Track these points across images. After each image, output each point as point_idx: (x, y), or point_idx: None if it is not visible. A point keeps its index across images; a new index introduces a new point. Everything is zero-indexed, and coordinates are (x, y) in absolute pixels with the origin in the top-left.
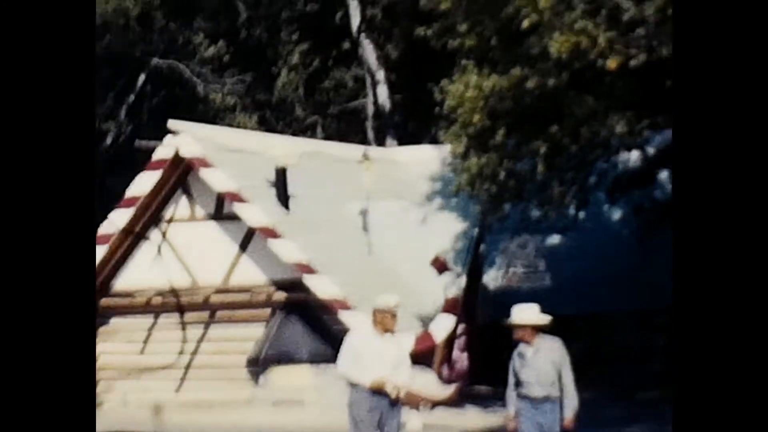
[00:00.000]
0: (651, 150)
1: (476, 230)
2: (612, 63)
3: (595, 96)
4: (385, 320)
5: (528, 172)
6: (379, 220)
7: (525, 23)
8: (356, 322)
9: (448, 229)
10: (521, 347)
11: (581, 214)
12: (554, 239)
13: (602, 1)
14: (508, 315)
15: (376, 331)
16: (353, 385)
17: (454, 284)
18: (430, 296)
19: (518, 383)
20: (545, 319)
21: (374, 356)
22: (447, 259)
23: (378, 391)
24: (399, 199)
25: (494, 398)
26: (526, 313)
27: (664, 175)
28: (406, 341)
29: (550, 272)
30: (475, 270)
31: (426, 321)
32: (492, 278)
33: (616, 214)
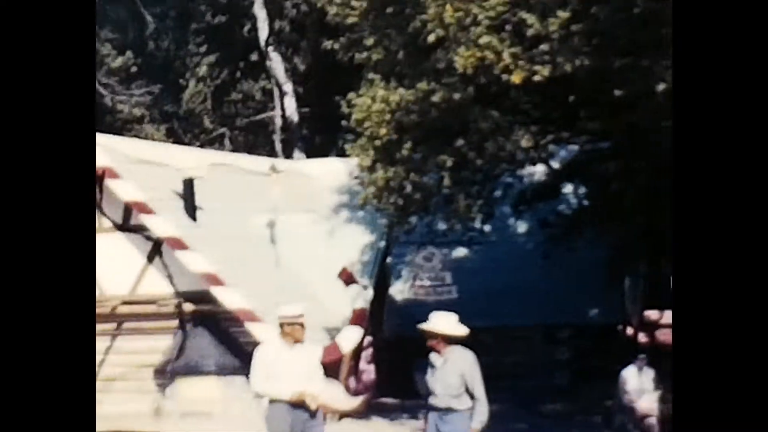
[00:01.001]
0: (555, 164)
1: (383, 243)
2: (516, 78)
3: (500, 110)
4: (294, 331)
5: (434, 185)
6: (287, 232)
7: (431, 38)
8: (264, 335)
9: (354, 242)
10: (432, 357)
11: (487, 228)
12: (460, 252)
13: (507, 17)
14: (414, 328)
15: (285, 343)
16: (270, 400)
17: (360, 296)
18: (337, 308)
19: (429, 393)
20: (458, 329)
21: (287, 368)
22: (354, 272)
23: (297, 404)
24: (306, 212)
25: (401, 410)
26: (438, 322)
27: (568, 188)
28: (315, 351)
29: (456, 285)
30: (381, 282)
31: (333, 333)
32: (398, 290)
33: (522, 228)
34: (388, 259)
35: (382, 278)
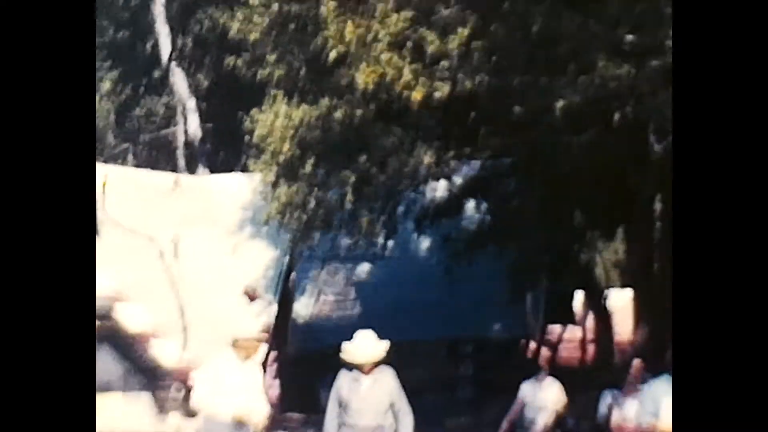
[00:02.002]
0: (458, 180)
1: (287, 258)
2: (417, 95)
3: (402, 127)
4: (250, 347)
5: (337, 202)
6: (191, 247)
7: (332, 55)
8: (168, 351)
9: (258, 258)
10: (355, 375)
11: (390, 244)
12: (364, 268)
13: (407, 34)
14: (318, 343)
15: (237, 359)
16: (210, 418)
17: (265, 312)
18: (240, 324)
19: (345, 411)
20: (383, 348)
21: (236, 385)
22: (258, 287)
23: (240, 423)
24: (210, 227)
25: (306, 425)
26: (367, 345)
27: (470, 205)
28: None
29: (359, 300)
30: (285, 298)
31: None
32: (303, 306)
33: (424, 244)
34: (292, 275)
35: (286, 294)
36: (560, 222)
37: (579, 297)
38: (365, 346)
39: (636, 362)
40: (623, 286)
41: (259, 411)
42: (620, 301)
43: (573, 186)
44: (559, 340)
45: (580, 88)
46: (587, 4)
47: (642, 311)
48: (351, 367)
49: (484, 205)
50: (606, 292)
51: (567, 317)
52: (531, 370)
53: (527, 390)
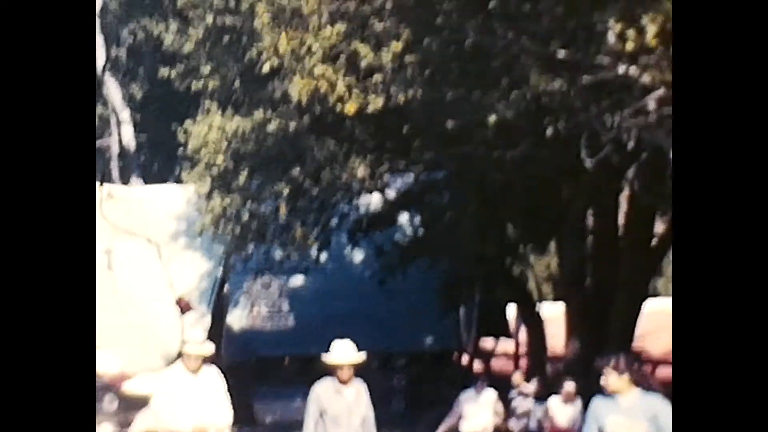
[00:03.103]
0: (391, 193)
1: (220, 270)
2: (350, 107)
3: (336, 139)
4: (197, 359)
5: (270, 214)
6: (124, 258)
7: (266, 67)
8: (103, 362)
9: (192, 269)
10: (336, 385)
11: (323, 256)
12: (297, 280)
13: (341, 48)
14: (252, 355)
15: (188, 372)
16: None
17: (198, 324)
18: (174, 335)
19: (326, 421)
20: (362, 355)
21: (190, 399)
22: (191, 299)
23: None
24: (144, 238)
25: None
26: (348, 351)
27: (404, 217)
28: (219, 379)
29: (293, 312)
30: (219, 310)
31: (170, 360)
32: (236, 318)
33: (358, 256)
34: (226, 287)
35: (219, 306)
36: (493, 235)
37: (512, 310)
38: (345, 349)
39: (567, 385)
40: (556, 299)
41: (221, 420)
42: (552, 314)
43: (506, 199)
44: (492, 352)
45: (513, 102)
46: (520, 19)
47: (574, 324)
48: (329, 374)
49: (417, 218)
50: (538, 305)
51: (500, 330)
52: (464, 382)
53: (466, 400)
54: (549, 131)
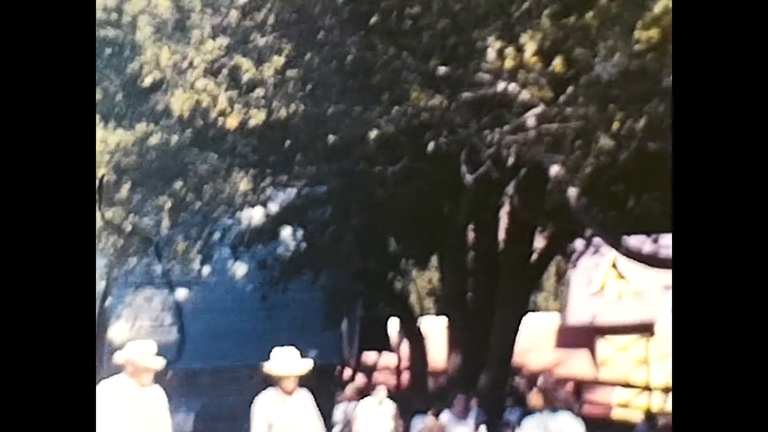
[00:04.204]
0: (274, 207)
1: (102, 283)
2: (232, 122)
3: (218, 153)
4: (147, 371)
5: (153, 227)
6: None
7: (148, 80)
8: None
9: None
10: (281, 396)
11: (206, 269)
12: (180, 293)
13: (223, 62)
14: None
15: (133, 384)
16: None
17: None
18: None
19: None
20: (308, 364)
21: (136, 412)
22: None
23: None
24: None
25: None
26: (292, 360)
27: (286, 231)
28: (160, 393)
29: (175, 326)
30: (101, 323)
31: None
32: (118, 331)
33: (240, 270)
34: (108, 300)
35: (102, 319)
36: (375, 250)
37: (394, 324)
38: (289, 359)
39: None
40: (437, 313)
41: None
42: (434, 328)
43: (387, 214)
44: (374, 366)
45: (394, 117)
46: (401, 35)
47: (455, 339)
48: (273, 384)
49: (299, 232)
50: (420, 319)
51: (382, 344)
52: (346, 395)
53: (364, 411)
54: (430, 147)
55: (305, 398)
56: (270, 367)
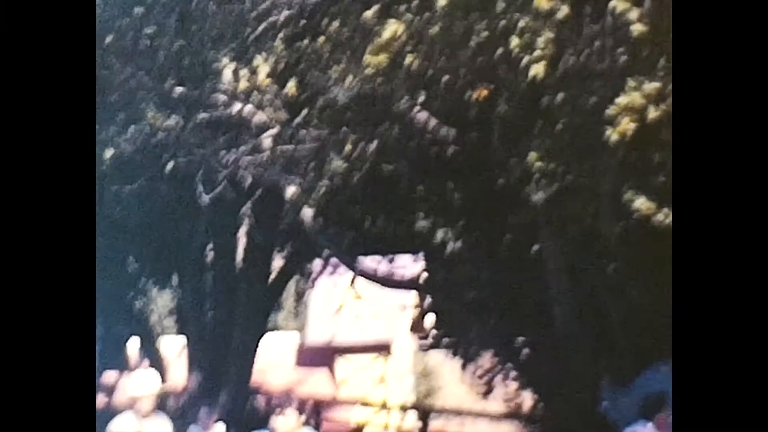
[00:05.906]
0: None
1: None
2: None
3: None
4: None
5: None
6: None
7: None
8: None
9: None
10: (136, 420)
11: None
12: None
13: None
14: None
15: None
16: None
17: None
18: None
19: None
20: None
21: None
22: None
23: None
24: None
25: None
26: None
27: None
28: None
29: None
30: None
31: None
32: None
33: None
34: None
35: None
36: (114, 269)
37: (134, 343)
38: (147, 378)
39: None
40: (178, 333)
41: None
42: (174, 348)
43: (125, 233)
44: (114, 387)
45: (131, 137)
46: (136, 54)
47: (194, 358)
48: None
49: None
50: (160, 338)
51: (121, 363)
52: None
53: None
54: (168, 167)
55: (164, 421)
56: (122, 391)
